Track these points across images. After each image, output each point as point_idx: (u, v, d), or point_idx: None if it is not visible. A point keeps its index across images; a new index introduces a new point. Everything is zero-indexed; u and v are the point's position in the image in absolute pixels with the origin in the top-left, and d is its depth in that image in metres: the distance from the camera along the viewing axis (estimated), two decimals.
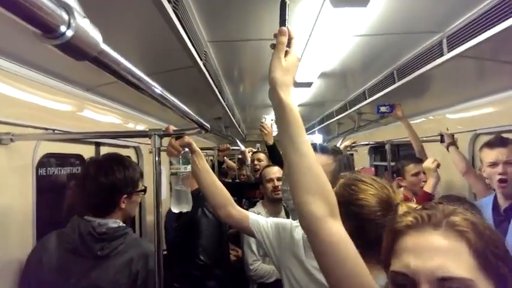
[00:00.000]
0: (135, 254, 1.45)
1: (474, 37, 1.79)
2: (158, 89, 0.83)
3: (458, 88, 2.90)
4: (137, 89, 0.71)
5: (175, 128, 1.41)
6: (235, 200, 4.26)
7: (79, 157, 2.15)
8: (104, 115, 2.49)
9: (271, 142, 2.81)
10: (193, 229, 2.24)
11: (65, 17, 0.42)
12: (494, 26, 1.62)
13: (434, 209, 0.73)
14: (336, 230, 0.83)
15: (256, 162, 3.58)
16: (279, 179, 2.66)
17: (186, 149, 1.47)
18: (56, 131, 1.78)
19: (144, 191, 1.64)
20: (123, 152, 2.78)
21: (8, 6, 0.35)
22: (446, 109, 3.40)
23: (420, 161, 2.87)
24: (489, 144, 2.12)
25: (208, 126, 1.47)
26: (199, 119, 1.35)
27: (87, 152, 2.21)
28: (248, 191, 3.32)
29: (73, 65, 1.76)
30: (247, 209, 3.19)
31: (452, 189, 3.26)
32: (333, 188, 1.12)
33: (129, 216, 1.62)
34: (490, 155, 2.08)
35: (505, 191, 2.04)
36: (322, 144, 1.50)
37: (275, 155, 2.87)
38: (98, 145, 2.33)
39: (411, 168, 2.81)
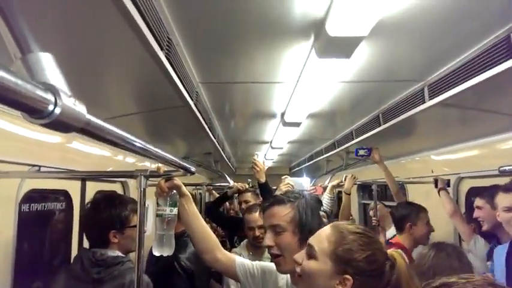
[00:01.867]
0: (128, 280, 1.56)
1: (454, 86, 1.87)
2: (141, 144, 0.86)
3: (441, 132, 2.99)
4: (119, 146, 0.74)
5: (166, 169, 1.43)
6: (227, 235, 4.07)
7: (64, 193, 2.13)
8: (91, 150, 2.49)
9: (263, 180, 2.69)
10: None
11: (51, 98, 0.45)
12: (474, 76, 1.71)
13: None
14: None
15: (243, 205, 3.28)
16: (260, 226, 2.46)
17: (174, 191, 1.47)
18: (41, 167, 1.78)
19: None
20: (110, 187, 2.77)
21: None
22: (431, 151, 3.48)
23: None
24: (505, 189, 2.05)
25: (194, 169, 1.49)
26: (183, 163, 1.38)
27: (72, 187, 2.19)
28: (240, 230, 3.24)
29: None
30: (236, 247, 3.13)
31: (437, 231, 3.28)
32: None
33: (128, 250, 1.71)
34: (505, 200, 2.00)
35: None
36: (278, 197, 1.45)
37: (266, 193, 2.79)
38: (84, 180, 2.32)
39: (425, 216, 2.52)
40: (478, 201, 2.18)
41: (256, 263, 1.57)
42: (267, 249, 2.70)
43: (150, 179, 1.44)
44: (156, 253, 1.44)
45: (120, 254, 1.65)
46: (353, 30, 1.34)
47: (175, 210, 1.44)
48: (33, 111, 0.43)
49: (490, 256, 2.23)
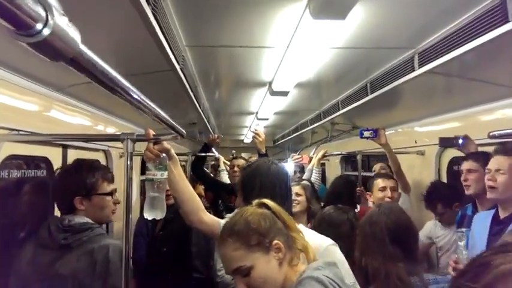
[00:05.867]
0: (97, 245, 1.52)
1: (444, 54, 1.86)
2: (136, 94, 0.80)
3: (427, 102, 3.01)
4: (114, 92, 0.68)
5: (154, 133, 1.38)
6: (211, 199, 4.13)
7: (45, 160, 2.05)
8: (73, 116, 2.39)
9: (263, 150, 2.67)
10: (186, 238, 2.23)
11: (42, 13, 0.39)
12: (464, 44, 1.70)
13: None
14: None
15: (236, 168, 3.31)
16: None
17: (164, 155, 1.43)
18: (21, 132, 1.69)
19: (109, 194, 1.64)
20: (92, 155, 2.68)
21: None
22: (415, 122, 3.51)
23: (391, 177, 2.90)
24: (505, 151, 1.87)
25: (184, 132, 1.45)
26: (175, 124, 1.33)
27: (53, 154, 2.11)
28: (225, 195, 3.24)
29: (43, 64, 1.68)
30: (222, 211, 3.15)
31: (418, 199, 3.36)
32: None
33: (97, 219, 1.65)
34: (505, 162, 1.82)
35: None
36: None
37: None
38: (65, 147, 2.23)
39: (379, 182, 2.77)
40: (472, 164, 2.16)
41: None
42: None
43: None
44: (148, 217, 1.42)
45: (89, 220, 1.60)
46: None
47: (165, 174, 1.41)
48: (20, 25, 0.37)
49: (461, 223, 2.28)
